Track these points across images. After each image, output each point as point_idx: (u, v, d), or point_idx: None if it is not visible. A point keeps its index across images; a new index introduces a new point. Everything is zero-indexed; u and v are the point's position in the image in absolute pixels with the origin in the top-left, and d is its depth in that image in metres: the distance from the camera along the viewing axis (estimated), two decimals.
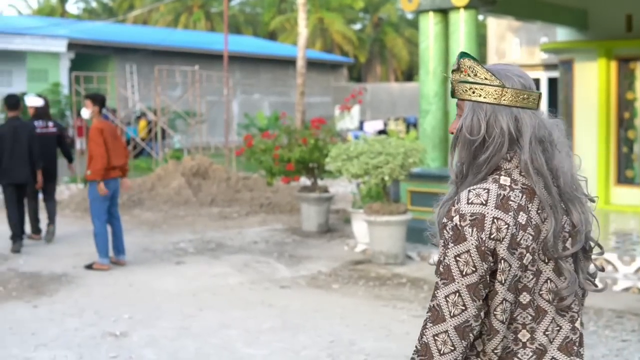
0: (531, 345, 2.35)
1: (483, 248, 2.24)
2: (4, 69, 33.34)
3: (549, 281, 2.35)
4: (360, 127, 37.34)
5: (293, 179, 14.29)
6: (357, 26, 67.01)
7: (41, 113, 13.05)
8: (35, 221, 12.85)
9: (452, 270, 2.26)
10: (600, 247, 2.57)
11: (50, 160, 12.83)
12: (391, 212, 10.76)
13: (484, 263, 2.25)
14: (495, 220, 2.26)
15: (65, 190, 18.17)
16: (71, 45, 35.38)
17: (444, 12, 12.14)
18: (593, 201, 2.51)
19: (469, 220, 2.26)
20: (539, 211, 2.33)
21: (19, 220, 12.22)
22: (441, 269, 2.29)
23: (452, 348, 2.26)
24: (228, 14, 32.27)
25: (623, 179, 14.08)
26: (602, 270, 2.61)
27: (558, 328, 2.39)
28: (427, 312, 2.32)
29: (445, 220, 2.33)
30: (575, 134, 14.02)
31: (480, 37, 24.00)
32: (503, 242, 2.25)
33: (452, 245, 2.27)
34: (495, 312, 2.30)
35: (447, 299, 2.26)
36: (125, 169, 11.09)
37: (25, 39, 33.70)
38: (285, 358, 6.95)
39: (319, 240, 12.82)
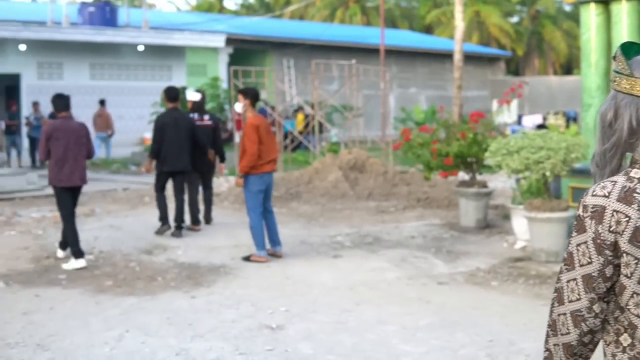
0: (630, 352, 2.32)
1: (599, 241, 2.24)
2: (164, 64, 34.18)
3: None
4: (519, 122, 36.65)
5: (451, 173, 14.07)
6: (514, 19, 66.01)
7: (197, 107, 13.62)
8: (195, 212, 13.12)
9: (574, 258, 2.30)
10: None
11: (206, 152, 13.27)
12: (552, 209, 10.43)
13: (600, 256, 2.25)
14: (615, 213, 2.23)
15: (224, 183, 18.46)
16: (229, 40, 35.99)
17: (605, 3, 11.70)
18: None
19: (590, 212, 2.27)
20: None
21: (166, 205, 12.85)
22: (565, 255, 2.33)
23: (567, 331, 2.32)
24: (384, 8, 32.21)
25: None
26: None
27: None
28: (554, 292, 2.37)
29: (576, 209, 2.35)
30: None
31: None
32: (624, 235, 2.22)
33: (575, 234, 2.31)
34: (628, 307, 2.27)
35: (568, 284, 2.31)
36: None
37: (185, 35, 34.47)
38: (443, 356, 6.79)
39: (477, 236, 12.58)
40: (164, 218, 12.75)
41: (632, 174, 2.30)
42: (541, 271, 9.95)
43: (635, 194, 2.25)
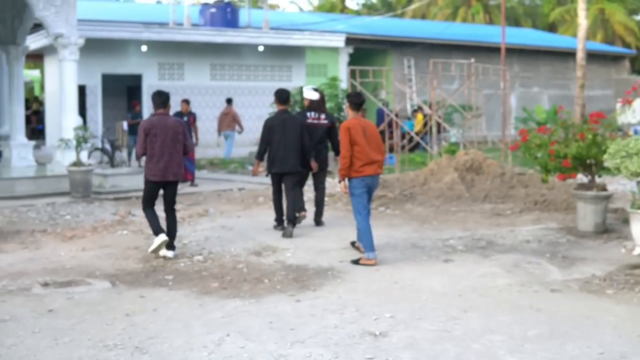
0: None
1: None
2: (284, 64, 34.32)
3: None
4: None
5: (569, 175, 13.62)
6: None
7: (315, 106, 13.47)
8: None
9: None
10: None
11: (319, 150, 13.28)
12: None
13: None
14: None
15: (337, 184, 18.35)
16: (349, 40, 35.98)
17: None
18: None
19: None
20: None
21: (282, 206, 13.13)
22: None
23: None
24: (506, 6, 31.69)
25: None
26: None
27: None
28: None
29: None
30: None
31: None
32: None
33: None
34: None
35: None
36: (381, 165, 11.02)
37: (304, 35, 34.54)
38: None
39: (594, 242, 12.15)
40: (279, 219, 13.07)
41: None
42: None
43: None
